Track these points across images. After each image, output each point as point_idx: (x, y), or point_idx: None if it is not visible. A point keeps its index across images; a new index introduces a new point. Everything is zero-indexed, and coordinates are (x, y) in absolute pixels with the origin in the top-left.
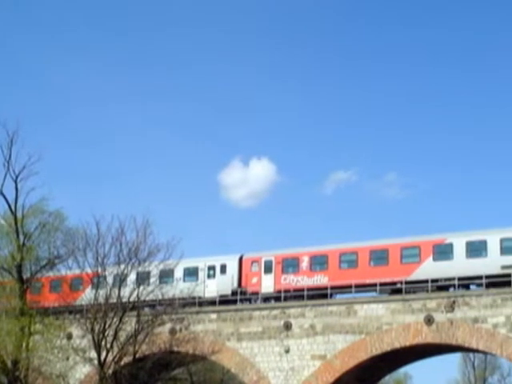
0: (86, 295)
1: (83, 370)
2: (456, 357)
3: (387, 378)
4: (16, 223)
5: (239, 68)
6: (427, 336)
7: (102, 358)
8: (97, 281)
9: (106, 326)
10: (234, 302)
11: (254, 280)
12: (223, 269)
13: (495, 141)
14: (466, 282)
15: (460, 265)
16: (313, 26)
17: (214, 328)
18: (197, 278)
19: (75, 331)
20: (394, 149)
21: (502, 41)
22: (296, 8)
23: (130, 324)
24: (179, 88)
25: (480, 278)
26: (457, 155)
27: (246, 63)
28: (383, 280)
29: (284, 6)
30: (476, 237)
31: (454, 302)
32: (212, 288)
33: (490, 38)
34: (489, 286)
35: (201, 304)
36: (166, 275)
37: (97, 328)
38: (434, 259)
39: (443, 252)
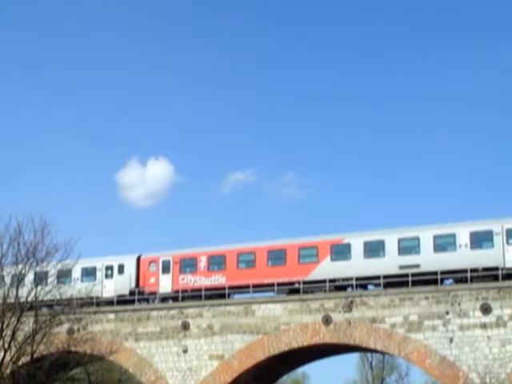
0: None
1: None
2: (354, 357)
3: (285, 377)
4: None
5: (136, 67)
6: (325, 336)
7: (0, 358)
8: None
9: (4, 325)
10: (132, 301)
11: (152, 280)
12: (121, 269)
13: (393, 141)
14: (363, 282)
15: (358, 265)
16: (211, 25)
17: (111, 328)
18: (95, 278)
19: None
20: (291, 149)
21: (400, 40)
22: (195, 8)
23: (27, 324)
24: (75, 87)
25: (378, 278)
26: (355, 155)
27: (143, 63)
28: (281, 280)
29: (183, 5)
30: (374, 237)
31: (351, 302)
32: (110, 288)
33: (387, 38)
34: (387, 286)
35: (98, 304)
36: (63, 275)
37: None
38: (332, 259)
39: (341, 252)
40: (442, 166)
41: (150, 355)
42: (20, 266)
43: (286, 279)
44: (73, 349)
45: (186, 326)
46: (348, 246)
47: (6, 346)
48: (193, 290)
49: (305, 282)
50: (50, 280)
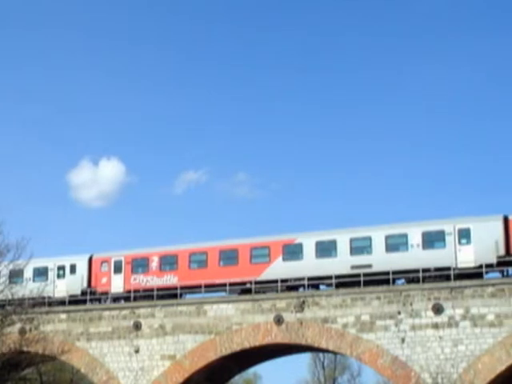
0: None
1: None
2: (306, 357)
3: (237, 377)
4: None
5: (89, 68)
6: (277, 336)
7: None
8: None
9: None
10: (84, 301)
11: (104, 280)
12: (73, 269)
13: (344, 142)
14: (315, 282)
15: (310, 265)
16: (164, 25)
17: (63, 328)
18: (46, 278)
19: None
20: (243, 149)
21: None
22: (148, 8)
23: None
24: (27, 87)
25: (330, 278)
26: (306, 156)
27: (95, 64)
28: (233, 280)
29: (137, 6)
30: (325, 237)
31: (303, 302)
32: (62, 288)
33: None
34: (338, 286)
35: (50, 304)
36: (15, 275)
37: None
38: (284, 259)
39: (293, 252)
40: (394, 166)
41: (102, 355)
42: None
43: (237, 279)
44: (25, 349)
45: (137, 326)
46: (300, 245)
47: None
48: (145, 290)
49: (257, 282)
50: (1, 280)
